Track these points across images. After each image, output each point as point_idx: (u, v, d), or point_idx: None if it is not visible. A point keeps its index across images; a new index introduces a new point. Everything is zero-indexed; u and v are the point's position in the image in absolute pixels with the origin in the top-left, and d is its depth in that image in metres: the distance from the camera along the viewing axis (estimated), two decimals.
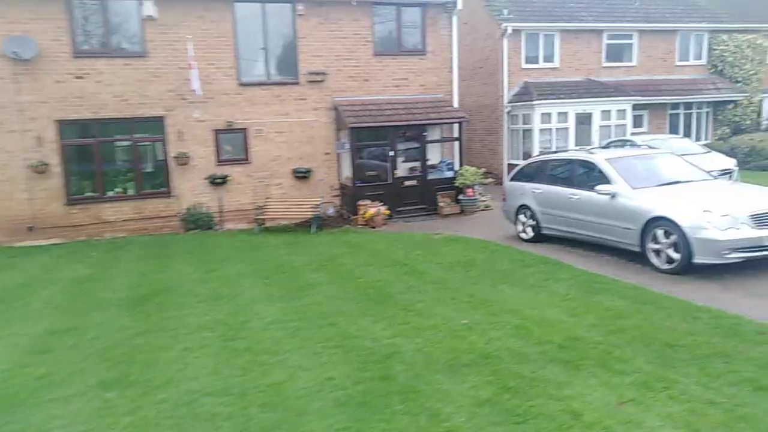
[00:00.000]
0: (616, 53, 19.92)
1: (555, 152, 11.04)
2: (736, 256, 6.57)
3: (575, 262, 7.87)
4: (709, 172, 13.00)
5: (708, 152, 14.28)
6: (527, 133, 18.13)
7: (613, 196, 7.84)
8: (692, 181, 8.05)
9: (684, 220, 6.80)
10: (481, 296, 6.32)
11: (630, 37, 19.87)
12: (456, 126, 14.35)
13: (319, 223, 12.35)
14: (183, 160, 12.59)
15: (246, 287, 7.48)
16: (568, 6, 19.87)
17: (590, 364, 4.28)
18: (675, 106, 20.42)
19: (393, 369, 4.43)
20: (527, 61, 18.87)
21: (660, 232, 7.11)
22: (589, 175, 8.50)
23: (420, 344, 4.93)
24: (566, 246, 8.89)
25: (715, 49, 20.66)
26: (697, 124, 20.96)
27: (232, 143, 13.16)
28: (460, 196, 13.48)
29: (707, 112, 21.05)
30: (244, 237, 11.87)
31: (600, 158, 8.48)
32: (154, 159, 12.95)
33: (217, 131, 12.95)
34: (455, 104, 14.71)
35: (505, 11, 18.57)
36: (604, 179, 8.10)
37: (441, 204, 13.47)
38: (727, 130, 21.03)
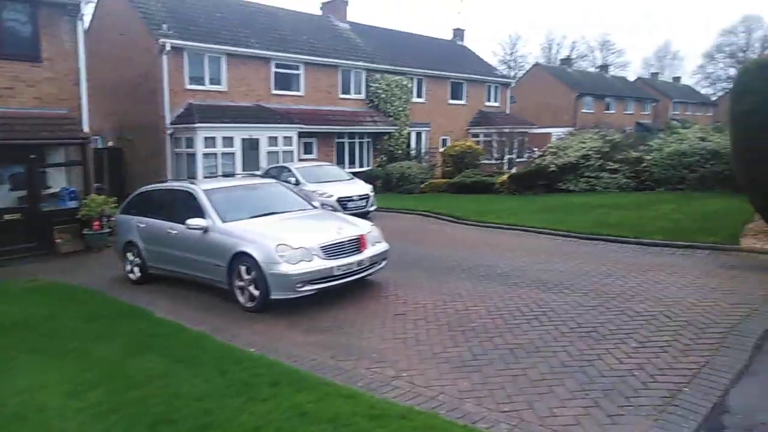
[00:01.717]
0: (285, 82, 20.49)
1: (161, 182, 10.09)
2: (309, 289, 6.50)
3: (163, 307, 6.90)
4: (348, 197, 14.08)
5: (352, 179, 15.42)
6: (191, 157, 16.98)
7: (205, 230, 7.17)
8: (287, 212, 7.94)
9: (260, 255, 6.47)
10: None
11: (297, 68, 20.69)
12: (82, 148, 12.18)
13: None
14: None
15: None
16: (236, 30, 19.64)
17: None
18: (341, 135, 22.07)
19: None
20: (192, 82, 17.81)
21: (243, 269, 6.67)
22: (189, 208, 7.67)
23: None
24: (172, 287, 7.91)
25: (371, 86, 23.16)
26: (360, 152, 23.10)
27: None
28: (86, 230, 11.42)
29: (368, 142, 23.41)
30: None
31: (198, 188, 7.79)
32: None
33: None
34: (84, 121, 12.55)
35: (165, 26, 17.18)
36: (201, 212, 7.41)
37: (58, 240, 11.16)
38: (384, 158, 23.75)
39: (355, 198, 14.11)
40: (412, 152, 25.25)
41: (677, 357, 4.62)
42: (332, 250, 6.74)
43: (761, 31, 66.56)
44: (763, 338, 4.94)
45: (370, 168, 23.08)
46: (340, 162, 22.32)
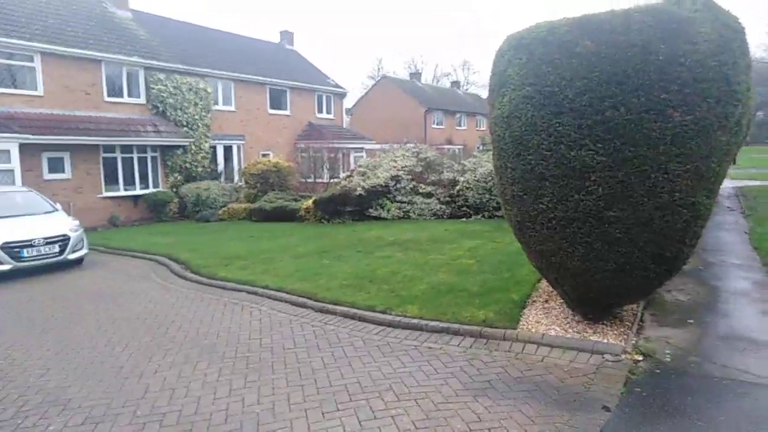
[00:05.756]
0: (9, 77, 15.23)
1: None
2: None
3: None
4: (25, 242, 9.45)
5: (53, 212, 10.76)
6: None
7: None
8: None
9: None
10: None
11: (30, 59, 15.51)
12: None
13: None
14: None
15: None
16: None
17: None
18: (110, 148, 17.16)
19: None
20: None
21: None
22: None
23: None
24: None
25: (152, 88, 18.49)
26: (142, 171, 18.28)
27: None
28: None
29: (154, 157, 18.67)
30: None
31: None
32: None
33: None
34: None
35: None
36: None
37: None
38: (180, 177, 19.17)
39: (38, 242, 9.53)
40: (220, 170, 20.94)
41: None
42: None
43: None
44: None
45: (157, 189, 18.39)
46: (112, 183, 17.49)
